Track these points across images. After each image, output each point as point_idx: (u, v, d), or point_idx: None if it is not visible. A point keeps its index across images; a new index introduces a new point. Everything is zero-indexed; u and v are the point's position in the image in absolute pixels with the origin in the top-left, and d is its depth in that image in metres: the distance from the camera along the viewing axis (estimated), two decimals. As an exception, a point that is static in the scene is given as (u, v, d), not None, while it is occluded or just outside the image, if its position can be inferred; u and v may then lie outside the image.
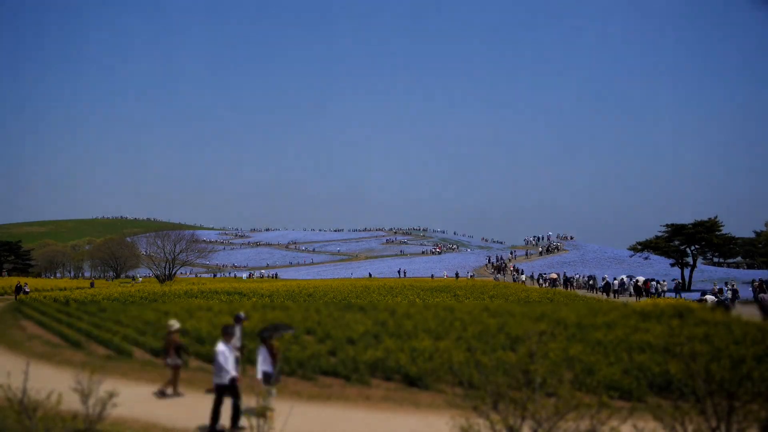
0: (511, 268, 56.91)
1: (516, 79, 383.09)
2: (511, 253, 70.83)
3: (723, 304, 19.50)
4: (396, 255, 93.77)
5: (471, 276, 52.71)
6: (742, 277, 45.86)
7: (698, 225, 39.64)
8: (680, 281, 36.85)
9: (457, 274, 53.25)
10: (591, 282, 38.09)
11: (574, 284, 40.74)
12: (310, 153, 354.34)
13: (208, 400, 9.38)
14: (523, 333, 11.84)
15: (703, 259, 53.60)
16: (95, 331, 15.54)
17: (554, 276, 41.63)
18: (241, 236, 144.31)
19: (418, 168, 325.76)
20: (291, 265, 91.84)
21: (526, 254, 70.39)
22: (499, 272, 55.11)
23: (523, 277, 47.15)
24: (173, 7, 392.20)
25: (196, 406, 9.05)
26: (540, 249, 72.94)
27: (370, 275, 58.41)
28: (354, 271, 68.70)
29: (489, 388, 4.39)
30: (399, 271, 60.48)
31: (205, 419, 8.03)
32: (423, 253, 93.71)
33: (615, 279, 35.83)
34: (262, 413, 4.96)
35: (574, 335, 12.96)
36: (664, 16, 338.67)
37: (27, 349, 14.16)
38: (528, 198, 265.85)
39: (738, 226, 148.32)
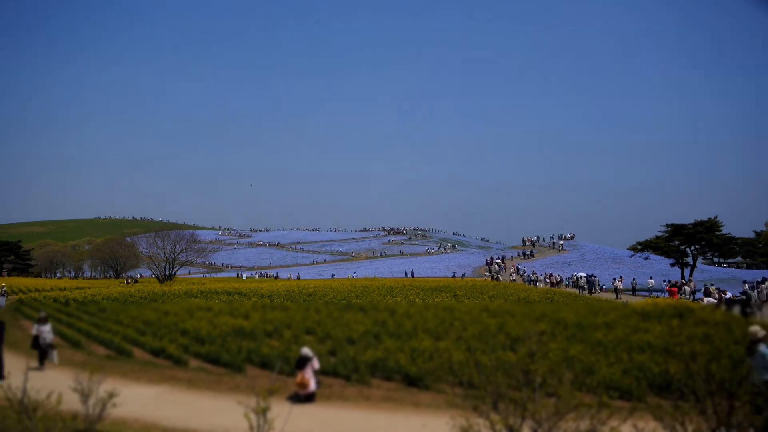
0: (513, 267, 56.89)
1: (517, 78, 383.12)
2: (522, 254, 70.57)
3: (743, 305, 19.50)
4: (396, 255, 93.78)
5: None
6: (741, 277, 45.84)
7: (698, 225, 39.60)
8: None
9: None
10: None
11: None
12: (310, 153, 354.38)
13: (207, 401, 9.38)
14: (523, 333, 11.84)
15: (703, 259, 53.57)
16: (95, 331, 15.54)
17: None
18: (241, 236, 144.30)
19: (419, 168, 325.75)
20: (290, 265, 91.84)
21: (530, 254, 70.29)
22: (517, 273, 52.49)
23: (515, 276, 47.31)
24: (173, 8, 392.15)
25: (196, 406, 9.05)
26: (535, 248, 72.87)
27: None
28: (355, 271, 68.68)
29: (489, 388, 4.39)
30: (406, 273, 59.86)
31: (205, 419, 8.03)
32: (427, 252, 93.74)
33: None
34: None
35: (574, 335, 12.95)
36: (664, 16, 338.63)
37: (27, 349, 14.15)
38: (528, 198, 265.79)
39: (738, 226, 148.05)
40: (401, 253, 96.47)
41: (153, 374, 11.22)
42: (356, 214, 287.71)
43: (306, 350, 9.32)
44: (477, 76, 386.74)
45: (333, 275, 62.63)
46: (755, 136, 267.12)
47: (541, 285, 40.43)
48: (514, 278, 48.04)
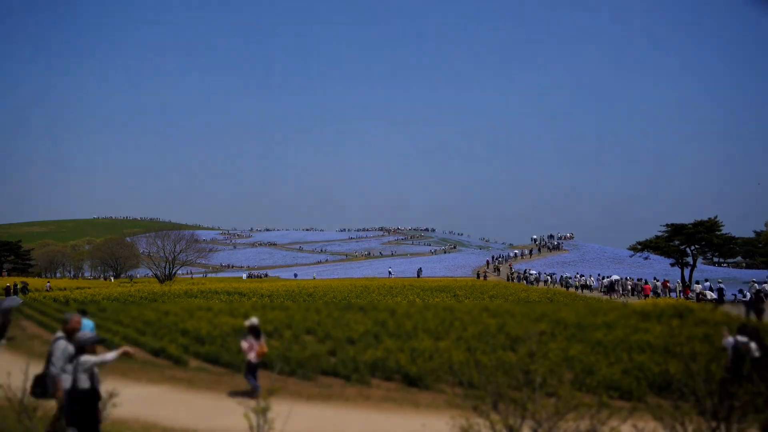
0: (510, 267, 56.91)
1: (517, 79, 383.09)
2: (518, 254, 70.65)
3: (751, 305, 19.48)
4: (396, 255, 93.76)
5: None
6: (741, 277, 45.82)
7: (698, 225, 39.57)
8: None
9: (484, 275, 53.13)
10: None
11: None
12: (310, 153, 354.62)
13: (207, 401, 9.38)
14: (523, 333, 11.84)
15: (703, 259, 53.50)
16: (95, 331, 15.52)
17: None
18: (241, 236, 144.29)
19: (419, 168, 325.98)
20: (290, 265, 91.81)
21: (530, 253, 70.31)
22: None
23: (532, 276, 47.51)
24: (175, 9, 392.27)
25: (196, 406, 9.05)
26: (537, 247, 72.87)
27: (389, 273, 57.44)
28: (354, 271, 68.66)
29: (489, 388, 4.39)
30: (390, 273, 59.53)
31: (205, 419, 8.01)
32: (429, 252, 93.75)
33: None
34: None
35: (574, 335, 12.96)
36: (665, 17, 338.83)
37: (27, 349, 14.15)
38: (528, 198, 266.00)
39: (738, 226, 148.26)
40: (401, 253, 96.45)
41: (153, 374, 11.21)
42: (356, 214, 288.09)
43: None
44: (478, 77, 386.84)
45: (314, 276, 62.54)
46: (755, 136, 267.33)
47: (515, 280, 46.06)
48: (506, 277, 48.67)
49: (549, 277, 44.90)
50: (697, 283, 33.18)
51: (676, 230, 40.80)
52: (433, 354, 11.08)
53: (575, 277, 42.67)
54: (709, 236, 39.20)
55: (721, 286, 27.57)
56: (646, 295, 29.97)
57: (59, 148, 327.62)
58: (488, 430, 4.22)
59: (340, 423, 8.28)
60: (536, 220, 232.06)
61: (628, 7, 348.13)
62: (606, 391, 8.75)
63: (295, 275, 62.88)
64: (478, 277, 49.91)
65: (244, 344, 9.32)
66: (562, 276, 44.62)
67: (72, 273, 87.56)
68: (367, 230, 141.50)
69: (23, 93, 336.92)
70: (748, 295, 23.70)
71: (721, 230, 39.87)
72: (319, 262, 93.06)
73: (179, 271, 57.67)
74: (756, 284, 28.26)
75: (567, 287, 39.69)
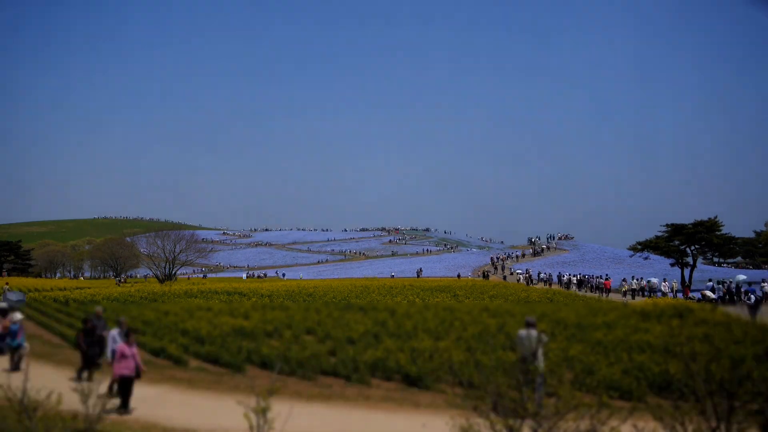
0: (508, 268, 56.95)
1: (515, 78, 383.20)
2: (518, 254, 70.63)
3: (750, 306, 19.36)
4: (396, 255, 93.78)
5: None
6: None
7: (698, 225, 39.56)
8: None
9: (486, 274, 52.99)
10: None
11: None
12: (310, 153, 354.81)
13: (207, 401, 9.38)
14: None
15: (703, 259, 53.49)
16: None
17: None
18: (242, 236, 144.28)
19: (419, 168, 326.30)
20: (290, 265, 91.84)
21: (533, 253, 70.33)
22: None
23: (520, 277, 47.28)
24: (172, 7, 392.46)
25: (196, 406, 9.05)
26: (536, 248, 72.86)
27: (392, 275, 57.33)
28: (354, 271, 68.67)
29: (489, 388, 4.40)
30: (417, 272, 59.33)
31: (205, 419, 8.01)
32: (430, 252, 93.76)
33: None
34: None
35: (574, 335, 12.96)
36: (664, 15, 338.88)
37: (26, 349, 14.14)
38: (528, 198, 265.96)
39: (738, 226, 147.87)
40: (401, 253, 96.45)
41: (153, 374, 11.20)
42: (356, 214, 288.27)
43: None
44: (476, 76, 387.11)
45: (300, 276, 62.58)
46: (755, 135, 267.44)
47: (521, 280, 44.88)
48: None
49: (540, 276, 44.25)
50: (710, 280, 32.92)
51: (676, 230, 40.79)
52: (433, 354, 11.08)
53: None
54: (709, 236, 39.18)
55: (731, 285, 27.36)
56: (608, 290, 30.51)
57: (59, 148, 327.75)
58: (488, 430, 4.22)
59: (340, 423, 8.29)
60: (536, 221, 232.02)
61: (628, 5, 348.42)
62: (606, 391, 8.75)
63: (284, 275, 63.14)
64: (483, 276, 49.64)
65: None
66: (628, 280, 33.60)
67: (72, 273, 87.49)
68: (367, 230, 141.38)
69: (23, 92, 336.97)
70: (753, 297, 23.58)
71: (721, 230, 39.85)
72: (319, 262, 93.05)
73: (181, 270, 57.53)
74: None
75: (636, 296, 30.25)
